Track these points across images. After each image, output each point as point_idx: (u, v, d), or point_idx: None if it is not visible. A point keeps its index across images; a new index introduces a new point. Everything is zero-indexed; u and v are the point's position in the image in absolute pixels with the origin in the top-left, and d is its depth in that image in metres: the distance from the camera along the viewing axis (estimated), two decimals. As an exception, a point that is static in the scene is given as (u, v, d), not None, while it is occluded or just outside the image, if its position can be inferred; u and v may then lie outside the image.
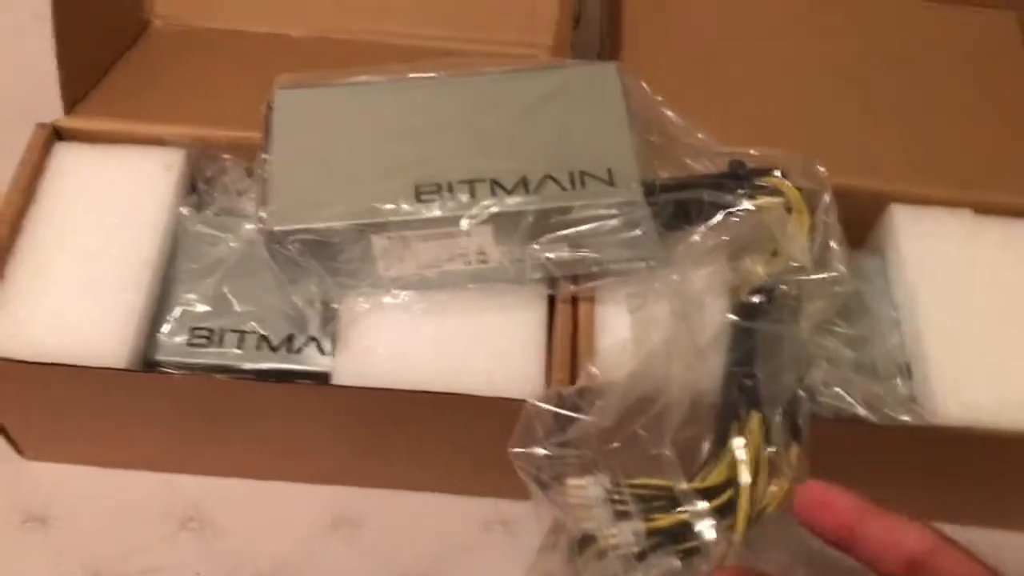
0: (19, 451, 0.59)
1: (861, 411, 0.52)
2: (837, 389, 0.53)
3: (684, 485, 0.44)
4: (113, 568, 0.56)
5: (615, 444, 0.46)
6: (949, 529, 0.59)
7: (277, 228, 0.49)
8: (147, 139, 0.59)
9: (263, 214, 0.50)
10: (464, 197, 0.50)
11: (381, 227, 0.49)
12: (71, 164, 0.58)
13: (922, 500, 0.59)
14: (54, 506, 0.58)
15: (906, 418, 0.51)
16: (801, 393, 0.51)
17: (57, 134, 0.59)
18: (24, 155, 0.57)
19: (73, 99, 0.60)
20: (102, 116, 0.60)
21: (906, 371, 0.56)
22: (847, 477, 0.58)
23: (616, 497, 0.45)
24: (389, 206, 0.49)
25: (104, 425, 0.56)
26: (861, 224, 0.63)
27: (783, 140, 0.63)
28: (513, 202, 0.49)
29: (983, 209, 0.61)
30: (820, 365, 0.54)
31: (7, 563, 0.56)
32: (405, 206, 0.50)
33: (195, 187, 0.60)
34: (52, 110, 0.60)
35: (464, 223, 0.49)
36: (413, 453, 0.57)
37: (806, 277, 0.51)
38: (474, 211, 0.49)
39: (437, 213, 0.49)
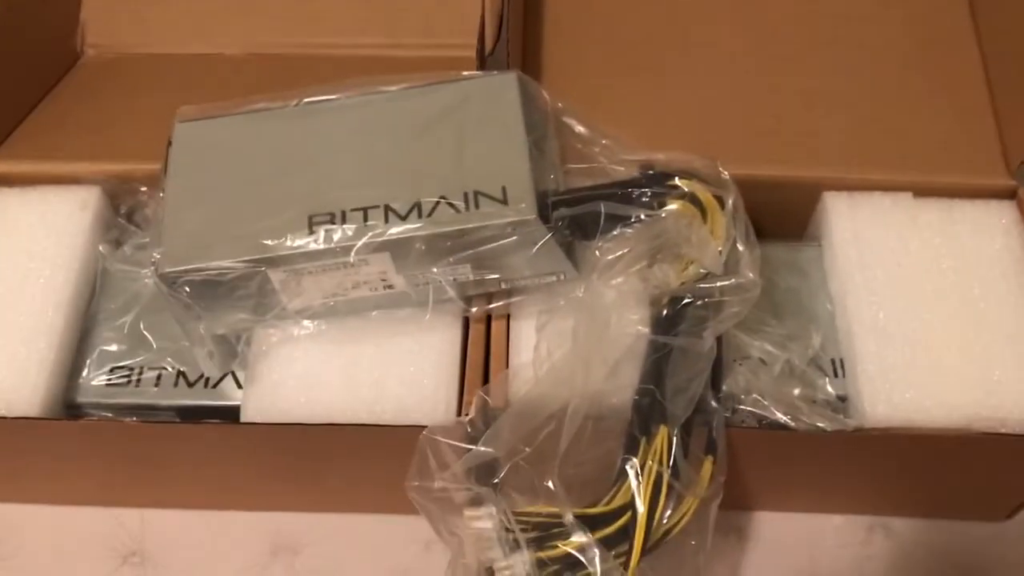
0: (-32, 493, 0.60)
1: (781, 418, 0.50)
2: (756, 396, 0.51)
3: (570, 514, 0.43)
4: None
5: (503, 473, 0.45)
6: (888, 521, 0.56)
7: (167, 270, 0.49)
8: (64, 178, 0.59)
9: (156, 255, 0.49)
10: (356, 227, 0.49)
11: (272, 262, 0.49)
12: (-10, 209, 0.58)
13: (859, 496, 0.58)
14: (3, 545, 0.59)
15: (822, 424, 0.49)
16: (715, 404, 0.50)
17: (-21, 180, 0.60)
18: (-57, 204, 0.58)
19: (-9, 145, 0.61)
20: (21, 158, 0.61)
21: (840, 368, 0.54)
22: (775, 483, 0.57)
23: (508, 527, 0.44)
24: (279, 241, 0.48)
25: (41, 466, 0.57)
26: (803, 215, 0.62)
27: (716, 136, 0.62)
28: (402, 229, 0.48)
29: (924, 191, 0.58)
30: (740, 372, 0.52)
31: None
32: (296, 240, 0.49)
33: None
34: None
35: (352, 255, 0.48)
36: (337, 480, 0.56)
37: (716, 284, 0.50)
38: (364, 240, 0.48)
39: (325, 245, 0.48)
